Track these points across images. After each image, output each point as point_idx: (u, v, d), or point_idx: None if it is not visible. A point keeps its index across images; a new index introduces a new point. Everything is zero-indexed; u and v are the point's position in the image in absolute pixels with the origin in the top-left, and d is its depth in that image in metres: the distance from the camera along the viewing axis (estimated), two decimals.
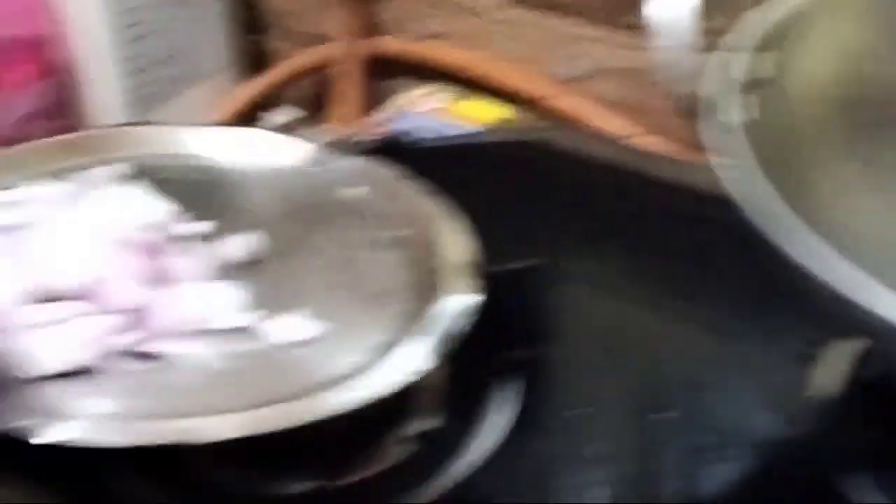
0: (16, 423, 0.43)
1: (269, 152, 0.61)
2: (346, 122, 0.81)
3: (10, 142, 0.70)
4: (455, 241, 0.54)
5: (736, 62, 0.49)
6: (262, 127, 0.88)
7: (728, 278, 0.61)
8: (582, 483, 0.50)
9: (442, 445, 0.47)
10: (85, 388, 0.46)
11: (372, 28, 0.83)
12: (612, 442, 0.52)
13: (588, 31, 0.76)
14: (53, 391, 0.45)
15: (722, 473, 0.50)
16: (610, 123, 0.75)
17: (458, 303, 0.50)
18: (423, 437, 0.47)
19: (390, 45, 0.83)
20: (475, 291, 0.51)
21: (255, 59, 0.89)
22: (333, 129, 0.84)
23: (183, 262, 0.51)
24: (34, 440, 0.42)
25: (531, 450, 0.52)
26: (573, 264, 0.54)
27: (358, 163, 0.60)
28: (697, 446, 0.52)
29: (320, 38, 0.86)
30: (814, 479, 0.48)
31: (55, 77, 0.72)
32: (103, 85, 0.76)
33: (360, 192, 0.59)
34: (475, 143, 0.72)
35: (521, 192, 0.59)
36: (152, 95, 0.79)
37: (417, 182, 0.58)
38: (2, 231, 0.51)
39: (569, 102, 0.76)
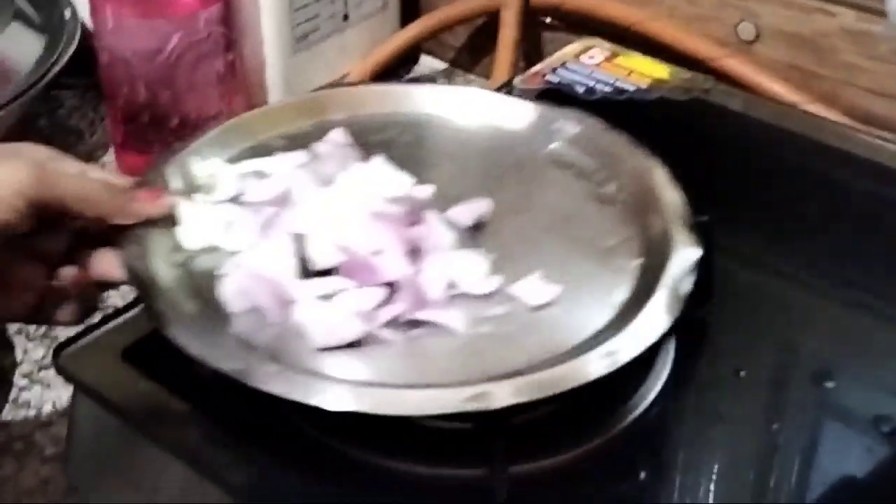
0: (276, 385, 0.44)
1: (487, 111, 0.61)
2: (504, 71, 0.81)
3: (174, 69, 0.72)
4: (668, 195, 0.54)
5: None
6: (415, 72, 0.89)
7: (888, 251, 0.60)
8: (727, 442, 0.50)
9: (609, 398, 0.47)
10: (350, 357, 0.47)
11: None
12: (758, 405, 0.52)
13: None
14: (321, 360, 0.46)
15: (871, 447, 0.49)
16: (776, 88, 0.73)
17: (685, 257, 0.50)
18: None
19: None
20: (697, 245, 0.50)
21: (411, 4, 0.89)
22: (489, 77, 0.84)
23: (430, 231, 0.51)
24: (298, 399, 0.44)
25: (682, 406, 0.51)
26: (730, 227, 0.53)
27: (565, 116, 0.60)
28: (845, 416, 0.52)
29: None
30: None
31: (218, 7, 0.72)
32: (270, 19, 0.77)
33: (570, 147, 0.59)
34: (643, 100, 0.71)
35: (685, 152, 0.58)
36: (315, 32, 0.80)
37: (621, 135, 0.58)
38: (260, 205, 0.52)
39: (736, 65, 0.74)
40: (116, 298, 0.67)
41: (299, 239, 0.50)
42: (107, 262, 0.49)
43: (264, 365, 0.44)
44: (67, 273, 0.50)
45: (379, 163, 0.54)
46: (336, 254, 0.49)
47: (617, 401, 0.48)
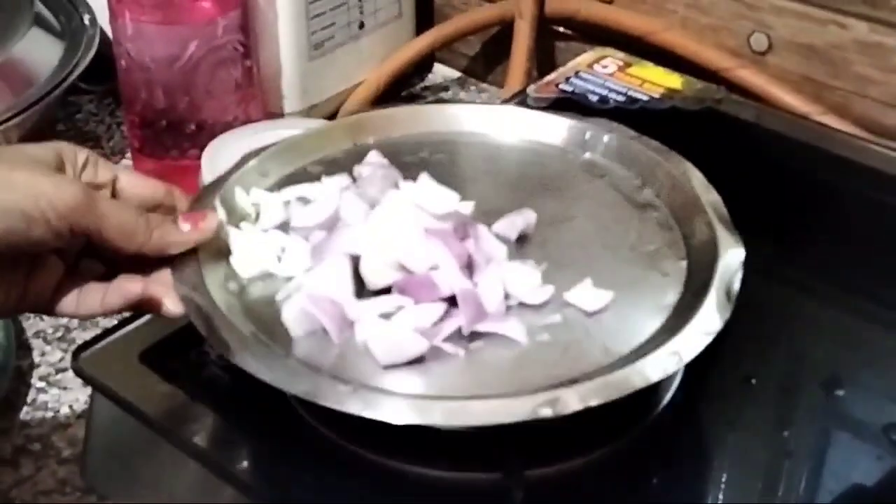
0: (349, 404, 0.45)
1: (520, 126, 0.62)
2: (517, 80, 0.81)
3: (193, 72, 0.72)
4: (708, 196, 0.55)
5: None
6: (431, 79, 0.90)
7: None
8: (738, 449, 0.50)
9: (622, 405, 0.47)
10: (414, 373, 0.48)
11: None
12: (769, 413, 0.52)
13: (773, 3, 0.74)
14: (386, 377, 0.47)
15: (881, 456, 0.49)
16: (788, 99, 0.73)
17: (732, 256, 0.51)
18: None
19: (566, 6, 0.83)
20: (740, 246, 0.51)
21: (426, 13, 0.90)
22: (502, 86, 0.84)
23: (482, 245, 0.52)
24: (354, 412, 0.44)
25: (694, 413, 0.52)
26: (742, 237, 0.54)
27: (595, 126, 0.61)
28: (855, 424, 0.52)
29: None
30: None
31: (236, 15, 0.73)
32: (287, 27, 0.78)
33: (603, 156, 0.60)
34: (656, 109, 0.72)
35: (697, 161, 0.58)
36: (331, 40, 0.81)
37: (650, 141, 0.59)
38: (309, 230, 0.53)
39: (748, 76, 0.75)
40: None
41: (353, 260, 0.51)
42: (162, 285, 0.49)
43: (334, 386, 0.45)
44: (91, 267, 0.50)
45: (424, 180, 0.55)
46: (391, 272, 0.50)
47: (630, 407, 0.49)
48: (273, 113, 0.80)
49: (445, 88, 0.89)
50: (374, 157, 0.58)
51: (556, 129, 0.61)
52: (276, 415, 0.49)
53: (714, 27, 0.77)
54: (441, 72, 0.91)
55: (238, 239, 0.53)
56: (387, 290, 0.50)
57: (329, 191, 0.55)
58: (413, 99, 0.88)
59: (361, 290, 0.50)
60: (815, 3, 0.73)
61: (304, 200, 0.55)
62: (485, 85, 0.89)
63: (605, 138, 0.60)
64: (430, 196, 0.53)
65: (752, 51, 0.76)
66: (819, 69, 0.74)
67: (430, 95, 0.88)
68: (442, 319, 0.49)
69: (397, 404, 0.45)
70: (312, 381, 0.46)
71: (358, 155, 0.59)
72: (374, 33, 0.83)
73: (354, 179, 0.57)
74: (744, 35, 0.76)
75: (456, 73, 0.91)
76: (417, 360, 0.48)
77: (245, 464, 0.50)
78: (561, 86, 0.75)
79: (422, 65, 0.88)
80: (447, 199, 0.54)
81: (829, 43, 0.73)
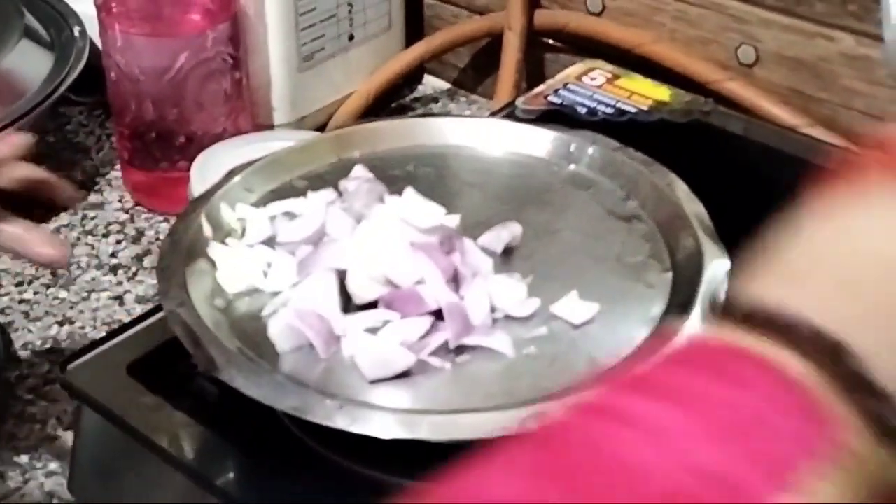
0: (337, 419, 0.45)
1: (505, 139, 0.62)
2: (507, 92, 0.81)
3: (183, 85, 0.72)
4: (692, 207, 0.55)
5: None
6: (418, 93, 0.90)
7: None
8: None
9: None
10: (401, 387, 0.48)
11: (537, 1, 0.83)
12: None
13: (761, 16, 0.75)
14: (373, 391, 0.48)
15: None
16: (776, 111, 0.74)
17: (716, 268, 0.51)
18: None
19: (556, 18, 0.83)
20: (725, 257, 0.51)
21: (416, 25, 0.90)
22: (491, 98, 0.85)
23: (467, 258, 0.52)
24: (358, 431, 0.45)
25: None
26: (728, 250, 0.54)
27: (579, 138, 0.61)
28: None
29: (482, 9, 0.86)
30: None
31: (226, 27, 0.73)
32: (277, 38, 0.78)
33: (588, 168, 0.60)
34: (644, 122, 0.72)
35: (685, 174, 0.58)
36: (321, 51, 0.81)
37: (635, 153, 0.59)
38: (295, 244, 0.53)
39: (736, 88, 0.75)
40: (122, 314, 0.68)
41: (340, 275, 0.51)
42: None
43: (322, 401, 0.46)
44: None
45: (410, 194, 0.55)
46: (377, 287, 0.51)
47: None
48: (263, 125, 0.80)
49: (435, 100, 0.90)
50: (359, 171, 0.58)
51: (540, 142, 0.61)
52: (263, 428, 0.49)
53: (702, 40, 0.78)
54: (431, 83, 0.91)
55: (224, 254, 0.53)
56: (373, 305, 0.51)
57: (315, 205, 0.55)
58: (403, 110, 0.88)
59: (348, 304, 0.51)
60: (802, 16, 0.73)
61: (290, 215, 0.55)
62: (475, 97, 0.89)
63: (590, 150, 0.60)
64: (415, 210, 0.54)
65: (739, 63, 0.76)
66: (806, 82, 0.74)
67: (419, 107, 0.89)
68: (428, 333, 0.49)
69: (385, 419, 0.45)
70: (299, 397, 0.46)
71: (343, 169, 0.59)
72: (363, 45, 0.84)
73: (340, 194, 0.57)
74: (732, 48, 0.77)
75: (446, 85, 0.91)
76: (404, 375, 0.48)
77: (232, 476, 0.50)
78: (549, 98, 0.75)
79: (412, 76, 0.88)
80: (433, 213, 0.54)
81: (816, 56, 0.73)
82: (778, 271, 0.34)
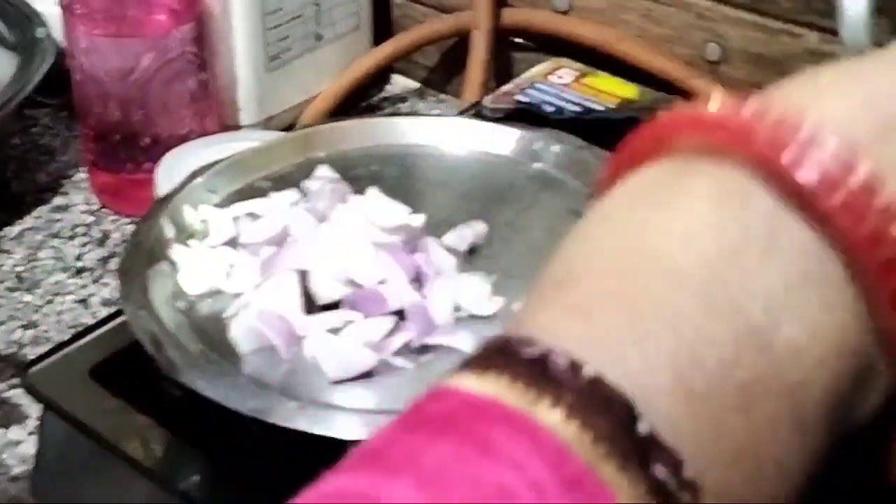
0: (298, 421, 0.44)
1: (469, 138, 0.62)
2: (474, 92, 0.81)
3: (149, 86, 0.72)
4: None
5: None
6: (386, 92, 0.90)
7: None
8: None
9: None
10: (364, 387, 0.48)
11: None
12: None
13: (726, 13, 0.75)
14: (336, 392, 0.47)
15: None
16: None
17: None
18: None
19: (523, 17, 0.83)
20: None
21: (384, 24, 0.90)
22: (459, 97, 0.84)
23: (431, 257, 0.52)
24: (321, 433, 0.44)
25: None
26: None
27: (544, 137, 0.61)
28: None
29: (450, 7, 0.86)
30: None
31: (191, 27, 0.73)
32: (243, 39, 0.77)
33: (552, 167, 0.60)
34: (608, 119, 0.72)
35: None
36: (288, 52, 0.80)
37: (600, 152, 0.59)
38: (258, 245, 0.53)
39: (702, 85, 0.75)
40: (87, 317, 0.67)
41: (302, 275, 0.51)
42: None
43: (283, 402, 0.45)
44: None
45: (374, 194, 0.55)
46: (340, 287, 0.50)
47: None
48: (229, 125, 0.79)
49: (404, 99, 0.89)
50: (323, 171, 0.58)
51: (505, 141, 0.61)
52: (228, 431, 0.49)
53: (668, 37, 0.78)
54: (400, 83, 0.91)
55: (186, 256, 0.53)
56: (336, 305, 0.50)
57: (278, 206, 0.55)
58: (372, 110, 0.88)
59: (311, 305, 0.50)
60: (766, 13, 0.73)
61: (253, 216, 0.55)
62: (444, 96, 0.89)
63: (555, 149, 0.60)
64: (379, 210, 0.53)
65: (706, 60, 0.77)
66: (772, 78, 0.74)
67: (388, 106, 0.88)
68: (391, 333, 0.49)
69: (348, 420, 0.45)
70: (261, 399, 0.46)
71: (308, 169, 0.59)
72: (331, 45, 0.83)
73: (304, 194, 0.56)
74: (698, 45, 0.77)
75: (415, 84, 0.91)
76: (367, 375, 0.48)
77: (196, 480, 0.49)
78: (517, 97, 0.75)
79: (380, 76, 0.88)
80: (396, 213, 0.54)
81: (781, 52, 0.73)
82: (540, 289, 0.28)
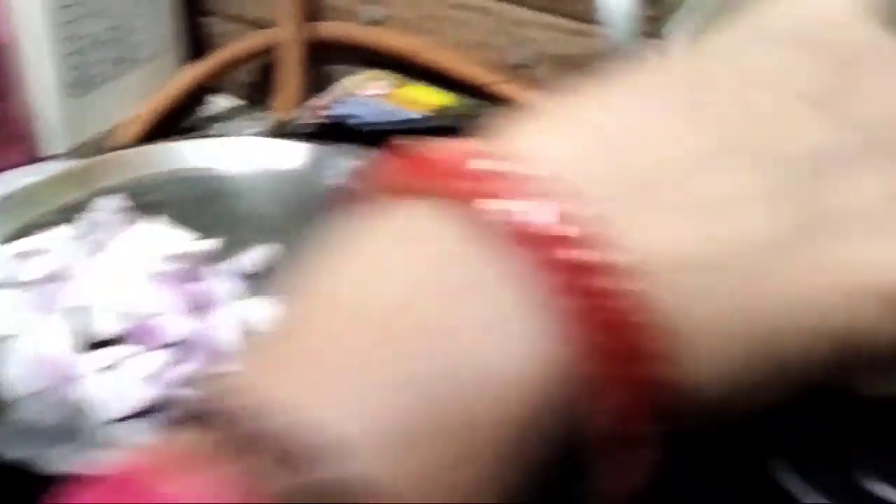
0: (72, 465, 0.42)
1: (262, 157, 0.61)
2: (289, 107, 0.80)
3: None
4: None
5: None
6: (205, 112, 0.88)
7: None
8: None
9: None
10: (147, 423, 0.46)
11: (316, 13, 0.82)
12: None
13: (530, 17, 0.75)
14: (119, 429, 0.46)
15: None
16: None
17: None
18: None
19: (334, 29, 0.82)
20: None
21: (196, 43, 0.88)
22: (276, 113, 0.83)
23: (215, 285, 0.51)
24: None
25: None
26: None
27: (346, 154, 0.60)
28: None
29: (263, 23, 0.85)
30: None
31: None
32: (40, 66, 0.75)
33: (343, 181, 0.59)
34: (418, 127, 0.71)
35: None
36: (91, 77, 0.78)
37: None
38: (36, 283, 0.51)
39: (512, 89, 0.75)
40: None
41: (82, 312, 0.49)
42: None
43: (55, 447, 0.43)
44: None
45: (153, 223, 0.53)
46: (118, 322, 0.49)
47: None
48: (37, 156, 0.77)
49: (225, 118, 0.88)
50: (108, 201, 0.56)
51: (298, 157, 0.61)
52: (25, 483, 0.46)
53: (478, 43, 0.78)
54: (218, 102, 0.89)
55: None
56: (117, 341, 0.49)
57: (58, 241, 0.53)
58: (189, 131, 0.86)
59: (90, 342, 0.49)
60: (567, 15, 0.74)
61: (32, 253, 0.53)
62: (263, 113, 0.88)
63: (349, 164, 0.60)
64: (161, 238, 0.52)
65: (513, 64, 0.77)
66: (577, 78, 0.75)
67: (208, 126, 0.87)
68: (171, 365, 0.47)
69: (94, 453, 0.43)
70: (31, 445, 0.44)
71: (93, 200, 0.57)
72: (139, 69, 0.81)
73: (88, 226, 0.55)
74: (505, 49, 0.77)
75: (234, 102, 0.89)
76: (151, 410, 0.46)
77: None
78: (329, 111, 0.74)
79: (197, 96, 0.86)
80: (180, 240, 0.52)
81: (582, 52, 0.74)
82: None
